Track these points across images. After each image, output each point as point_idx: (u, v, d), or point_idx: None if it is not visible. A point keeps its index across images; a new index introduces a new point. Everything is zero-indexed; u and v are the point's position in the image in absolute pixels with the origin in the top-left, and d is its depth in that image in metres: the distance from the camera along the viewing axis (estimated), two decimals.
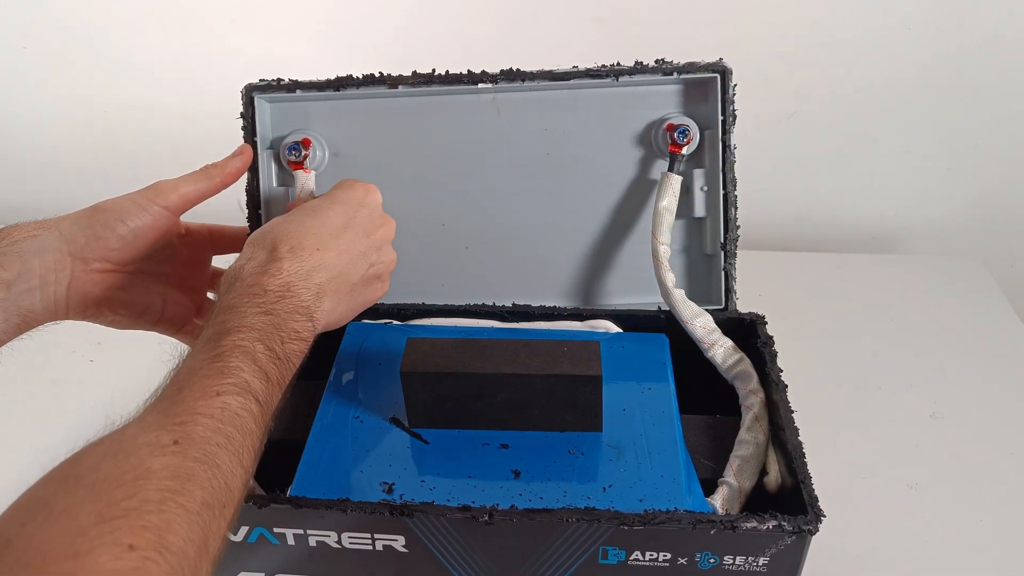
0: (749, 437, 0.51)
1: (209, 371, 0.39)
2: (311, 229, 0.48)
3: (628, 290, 0.65)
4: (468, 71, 0.60)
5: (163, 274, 0.58)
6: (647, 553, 0.44)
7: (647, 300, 0.63)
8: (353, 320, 0.57)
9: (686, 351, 0.57)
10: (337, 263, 0.48)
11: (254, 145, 0.61)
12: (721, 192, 0.60)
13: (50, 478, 0.33)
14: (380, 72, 0.60)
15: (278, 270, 0.46)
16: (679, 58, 0.60)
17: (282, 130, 0.63)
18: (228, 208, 0.66)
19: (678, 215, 0.60)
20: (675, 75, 0.59)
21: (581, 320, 0.59)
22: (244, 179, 0.62)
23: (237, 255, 0.64)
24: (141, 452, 0.34)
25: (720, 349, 0.56)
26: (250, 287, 0.44)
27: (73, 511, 0.30)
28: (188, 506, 0.33)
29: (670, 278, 0.57)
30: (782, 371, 0.53)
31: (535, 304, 0.60)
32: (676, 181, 0.60)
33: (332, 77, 0.61)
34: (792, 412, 0.49)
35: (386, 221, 0.53)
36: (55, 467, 0.33)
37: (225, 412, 0.38)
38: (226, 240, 0.64)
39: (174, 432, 0.35)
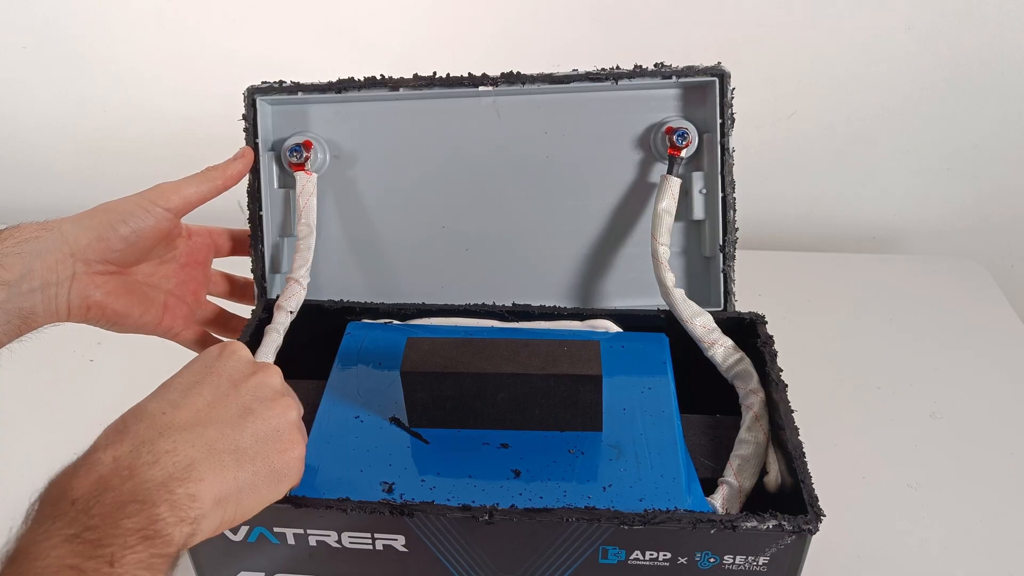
0: (749, 437, 0.51)
1: None
2: (155, 398, 0.39)
3: (627, 292, 0.65)
4: (469, 74, 0.60)
5: (164, 276, 0.59)
6: (647, 553, 0.44)
7: (646, 302, 0.63)
8: (353, 321, 0.56)
9: (686, 351, 0.57)
10: (196, 418, 0.38)
11: (256, 147, 0.61)
12: (720, 195, 0.61)
13: None
14: (381, 74, 0.60)
15: (94, 462, 0.34)
16: (680, 59, 0.60)
17: (283, 132, 0.63)
18: (229, 209, 0.67)
19: (677, 217, 0.60)
20: (674, 79, 0.59)
21: (581, 320, 0.59)
22: (245, 180, 0.62)
23: (237, 256, 0.65)
24: None
25: (720, 348, 0.56)
26: (51, 505, 0.33)
27: None
28: None
29: (670, 278, 0.58)
30: (782, 371, 0.53)
31: (535, 304, 0.60)
32: (675, 184, 0.60)
33: (333, 79, 0.61)
34: (792, 412, 0.50)
35: (260, 368, 0.43)
36: None
37: None
38: (226, 242, 0.64)
39: None
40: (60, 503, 0.33)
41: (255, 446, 0.39)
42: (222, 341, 0.45)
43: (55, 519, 0.32)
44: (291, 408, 0.42)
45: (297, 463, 0.41)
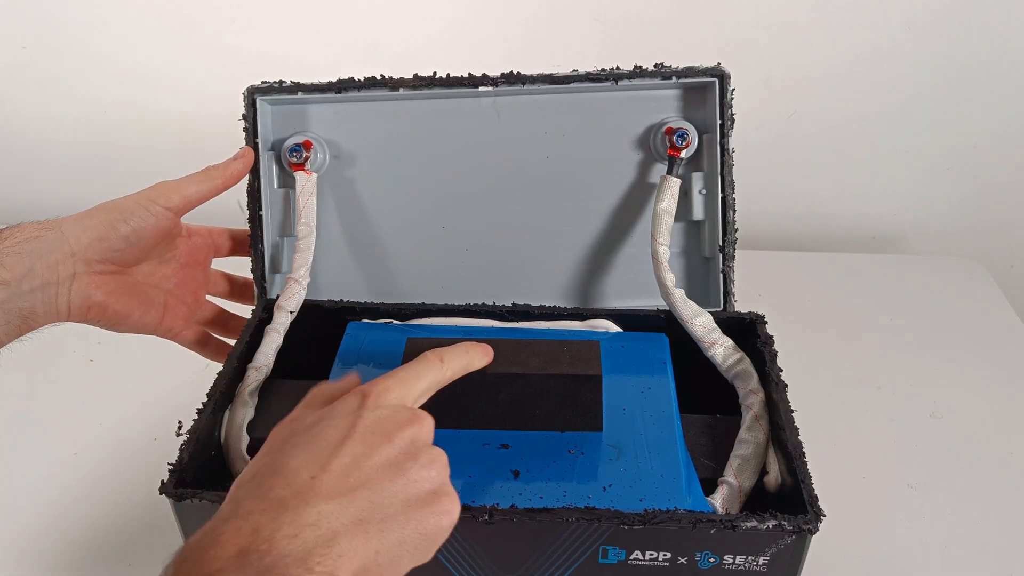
0: (749, 437, 0.51)
1: None
2: (296, 454, 0.35)
3: (627, 292, 0.65)
4: (469, 74, 0.60)
5: (164, 276, 0.59)
6: (647, 553, 0.44)
7: (646, 303, 0.63)
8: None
9: (686, 351, 0.57)
10: (344, 485, 0.34)
11: (256, 147, 0.61)
12: (719, 195, 0.61)
13: None
14: (381, 74, 0.60)
15: (235, 531, 0.32)
16: (680, 59, 0.60)
17: (283, 132, 0.63)
18: (229, 209, 0.67)
19: (677, 218, 0.60)
20: (674, 79, 0.59)
21: (581, 320, 0.59)
22: (245, 180, 0.62)
23: (237, 256, 0.65)
24: None
25: (720, 348, 0.56)
26: None
27: None
28: None
29: (670, 278, 0.58)
30: (782, 371, 0.53)
31: (535, 304, 0.60)
32: (675, 184, 0.60)
33: (333, 79, 0.61)
34: (792, 412, 0.50)
35: (410, 418, 0.38)
36: None
37: None
38: (226, 242, 0.64)
39: None
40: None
41: (405, 512, 0.35)
42: (312, 390, 0.39)
43: None
44: (446, 466, 0.38)
45: (450, 528, 0.36)
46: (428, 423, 0.39)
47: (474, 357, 0.45)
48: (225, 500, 0.34)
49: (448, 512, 0.36)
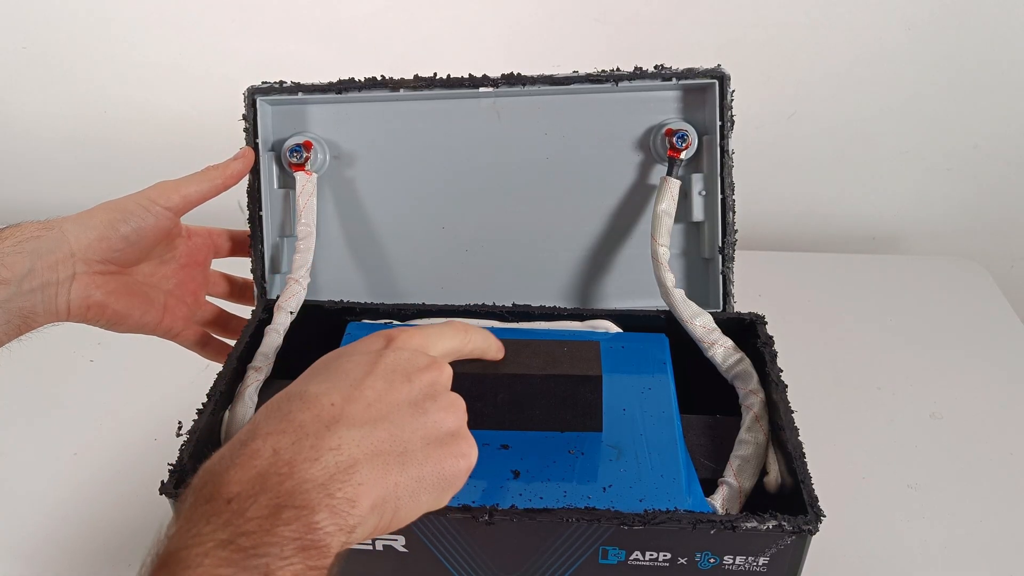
0: (749, 437, 0.51)
1: None
2: (319, 380, 0.35)
3: (627, 293, 0.65)
4: (469, 75, 0.60)
5: (164, 277, 0.59)
6: (647, 553, 0.44)
7: (646, 304, 0.63)
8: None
9: (686, 351, 0.57)
10: (367, 414, 0.34)
11: (256, 147, 0.61)
12: (719, 196, 0.61)
13: None
14: (382, 75, 0.60)
15: (253, 453, 0.31)
16: (680, 59, 0.60)
17: (284, 132, 0.63)
18: (229, 209, 0.67)
19: (676, 219, 0.60)
20: (674, 80, 0.59)
21: (581, 320, 0.59)
22: (245, 181, 0.62)
23: (237, 257, 0.65)
24: None
25: (720, 349, 0.56)
26: (205, 502, 0.30)
27: None
28: None
29: (670, 278, 0.58)
30: (782, 371, 0.53)
31: (535, 305, 0.60)
32: (675, 185, 0.60)
33: (334, 80, 0.61)
34: (792, 412, 0.50)
35: (434, 364, 0.39)
36: None
37: None
38: (226, 242, 0.64)
39: None
40: (215, 500, 0.30)
41: (424, 449, 0.35)
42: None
43: (208, 519, 0.29)
44: (464, 412, 0.38)
45: (467, 473, 0.36)
46: (448, 371, 0.39)
47: (492, 345, 0.45)
48: (244, 427, 0.34)
49: (466, 455, 0.36)
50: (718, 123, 0.60)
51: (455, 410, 0.38)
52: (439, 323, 0.42)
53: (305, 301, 0.59)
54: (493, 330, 0.58)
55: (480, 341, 0.44)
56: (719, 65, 0.59)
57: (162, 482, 0.44)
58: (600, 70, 0.59)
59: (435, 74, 0.60)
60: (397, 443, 0.34)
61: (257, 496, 0.29)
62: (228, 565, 0.28)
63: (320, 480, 0.30)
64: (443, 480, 0.35)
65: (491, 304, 0.60)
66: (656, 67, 0.59)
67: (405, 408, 0.35)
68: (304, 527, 0.29)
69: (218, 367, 0.54)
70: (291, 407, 0.33)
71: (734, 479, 0.49)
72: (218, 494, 0.30)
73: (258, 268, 0.63)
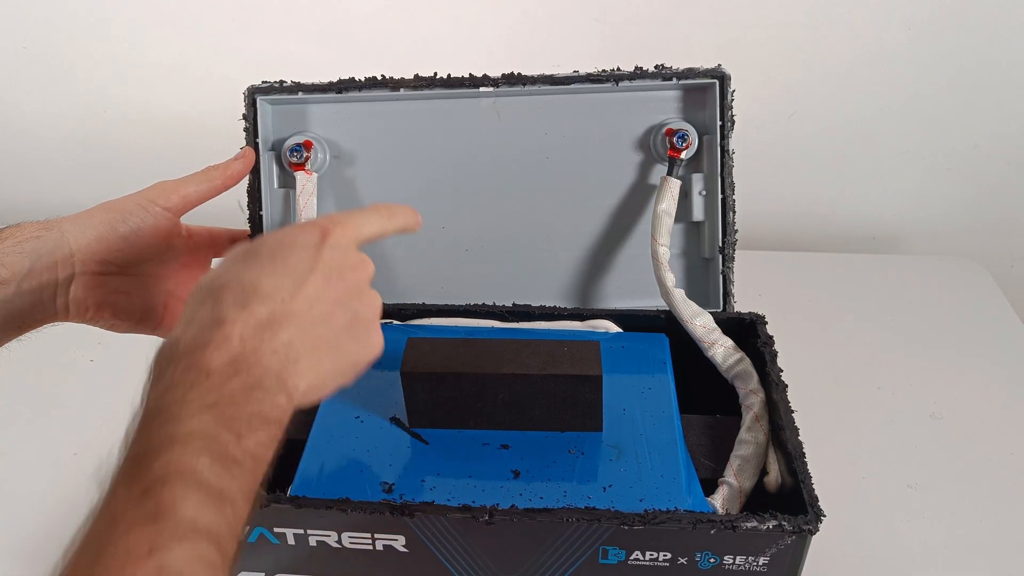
0: (749, 437, 0.51)
1: (136, 518, 0.30)
2: (267, 274, 0.39)
3: (627, 293, 0.65)
4: (469, 75, 0.60)
5: (164, 277, 0.58)
6: (647, 553, 0.44)
7: (646, 303, 0.63)
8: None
9: (686, 351, 0.57)
10: (309, 313, 0.39)
11: (256, 147, 0.61)
12: (719, 196, 0.61)
13: None
14: (382, 75, 0.60)
15: (225, 336, 0.36)
16: (680, 59, 0.60)
17: (284, 132, 0.63)
18: (228, 209, 0.67)
19: (677, 219, 0.60)
20: (675, 80, 0.59)
21: (581, 320, 0.59)
22: (246, 180, 0.62)
23: None
24: None
25: (720, 348, 0.56)
26: (186, 371, 0.34)
27: None
28: None
29: (670, 278, 0.58)
30: (782, 371, 0.53)
31: (535, 305, 0.60)
32: (675, 185, 0.60)
33: (334, 79, 0.61)
34: (792, 412, 0.50)
35: (360, 261, 0.43)
36: None
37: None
38: (226, 242, 0.64)
39: None
40: (194, 371, 0.34)
41: (348, 344, 0.40)
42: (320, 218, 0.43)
43: (192, 386, 0.34)
44: (377, 299, 0.43)
45: (372, 362, 0.42)
46: (370, 268, 0.43)
47: (411, 219, 0.49)
48: (196, 299, 0.38)
49: (375, 346, 0.42)
50: (718, 123, 0.60)
51: (374, 307, 0.43)
52: (364, 211, 0.46)
53: None
54: (493, 330, 0.58)
55: (401, 220, 0.48)
56: (719, 65, 0.59)
57: None
58: (600, 70, 0.59)
59: (435, 74, 0.60)
60: (330, 338, 0.39)
61: (232, 377, 0.35)
62: (211, 425, 0.33)
63: (276, 371, 0.36)
64: (355, 367, 0.41)
65: (491, 304, 0.60)
66: (656, 67, 0.59)
67: (337, 306, 0.40)
68: (268, 406, 0.35)
69: None
70: (248, 299, 0.37)
71: (734, 479, 0.49)
72: (197, 367, 0.34)
73: None
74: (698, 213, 0.62)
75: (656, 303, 0.60)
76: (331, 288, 0.40)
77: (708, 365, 0.56)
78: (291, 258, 0.40)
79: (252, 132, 0.61)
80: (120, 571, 0.28)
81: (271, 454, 0.35)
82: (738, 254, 0.61)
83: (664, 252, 0.58)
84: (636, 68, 0.59)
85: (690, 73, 0.59)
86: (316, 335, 0.39)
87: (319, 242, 0.41)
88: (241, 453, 0.33)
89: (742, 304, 0.61)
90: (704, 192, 0.62)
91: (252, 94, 0.61)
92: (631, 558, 0.44)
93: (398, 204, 0.48)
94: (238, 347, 0.35)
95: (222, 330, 0.36)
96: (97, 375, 0.81)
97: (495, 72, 0.60)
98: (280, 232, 0.42)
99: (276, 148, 0.63)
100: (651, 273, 0.59)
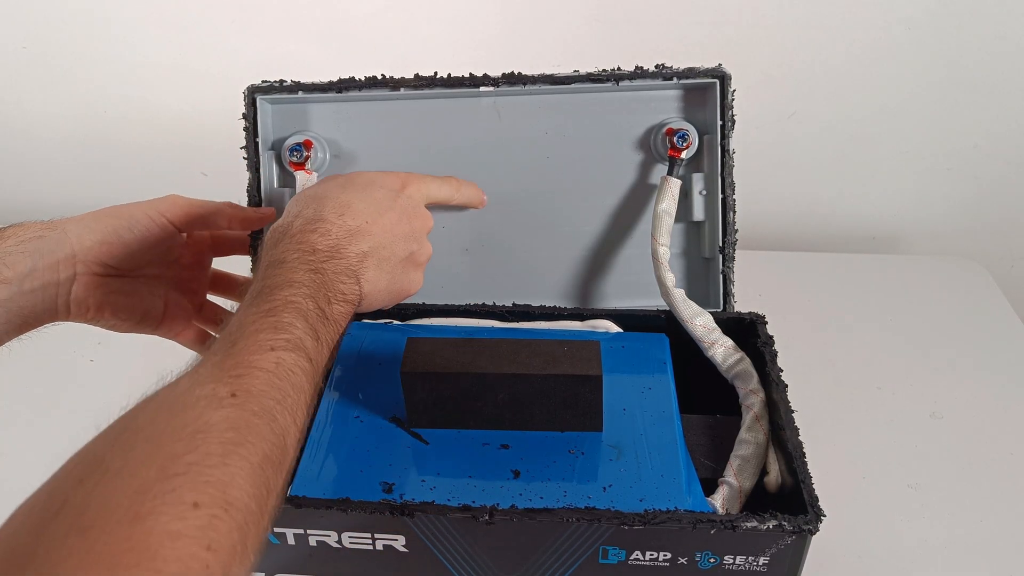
0: (749, 437, 0.51)
1: (261, 325, 0.39)
2: (359, 199, 0.49)
3: (627, 293, 0.65)
4: (470, 74, 0.60)
5: (164, 277, 0.59)
6: (647, 553, 0.44)
7: (646, 303, 0.63)
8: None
9: (686, 351, 0.57)
10: (383, 237, 0.48)
11: (255, 146, 0.61)
12: (720, 196, 0.61)
13: (105, 434, 0.31)
14: (382, 74, 0.60)
15: (327, 230, 0.46)
16: (680, 58, 0.60)
17: (284, 131, 0.63)
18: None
19: (677, 219, 0.60)
20: (675, 80, 0.59)
21: (581, 320, 0.59)
22: (245, 180, 0.62)
23: (237, 256, 0.65)
24: (199, 405, 0.33)
25: (720, 348, 0.56)
26: (299, 244, 0.44)
27: (132, 468, 0.29)
28: (251, 460, 0.32)
29: (670, 278, 0.58)
30: (782, 371, 0.53)
31: (535, 304, 0.60)
32: (675, 185, 0.60)
33: (334, 79, 0.61)
34: (792, 412, 0.50)
35: (426, 215, 0.54)
36: (110, 424, 0.32)
37: (280, 368, 0.37)
38: (227, 243, 0.64)
39: (231, 384, 0.34)
40: (305, 246, 0.45)
41: (403, 271, 0.51)
42: None
43: (302, 255, 0.44)
44: (429, 248, 0.54)
45: (414, 291, 0.53)
46: (431, 222, 0.54)
47: (474, 196, 0.61)
48: (301, 201, 0.49)
49: (418, 282, 0.53)
50: (719, 123, 0.60)
51: (427, 253, 0.53)
52: (438, 178, 0.57)
53: None
54: (493, 330, 0.58)
55: (467, 194, 0.60)
56: (720, 65, 0.59)
57: None
58: (601, 69, 0.59)
59: (436, 73, 0.60)
60: (392, 260, 0.49)
61: (331, 259, 0.45)
62: (316, 284, 0.43)
63: (355, 267, 0.46)
64: (402, 291, 0.51)
65: (491, 304, 0.60)
66: (657, 66, 0.59)
67: (402, 239, 0.50)
68: (349, 289, 0.45)
69: None
70: (343, 211, 0.48)
71: (734, 479, 0.49)
72: (307, 244, 0.45)
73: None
74: (698, 213, 0.62)
75: (656, 303, 0.60)
76: (400, 226, 0.50)
77: (708, 365, 0.56)
78: (377, 193, 0.50)
79: (252, 132, 0.61)
80: (250, 355, 0.37)
81: (346, 326, 0.45)
82: (738, 254, 0.61)
83: (664, 252, 0.58)
84: (637, 68, 0.59)
85: (691, 73, 0.59)
86: (382, 256, 0.48)
87: (399, 189, 0.53)
88: (331, 313, 0.43)
89: (742, 304, 0.61)
90: (704, 192, 0.62)
91: (252, 93, 0.61)
92: (631, 558, 0.44)
93: (468, 181, 0.60)
94: (334, 240, 0.45)
95: (324, 225, 0.46)
96: (97, 375, 0.81)
97: (495, 72, 0.60)
98: (371, 173, 0.53)
99: (276, 147, 0.63)
100: (651, 273, 0.59)
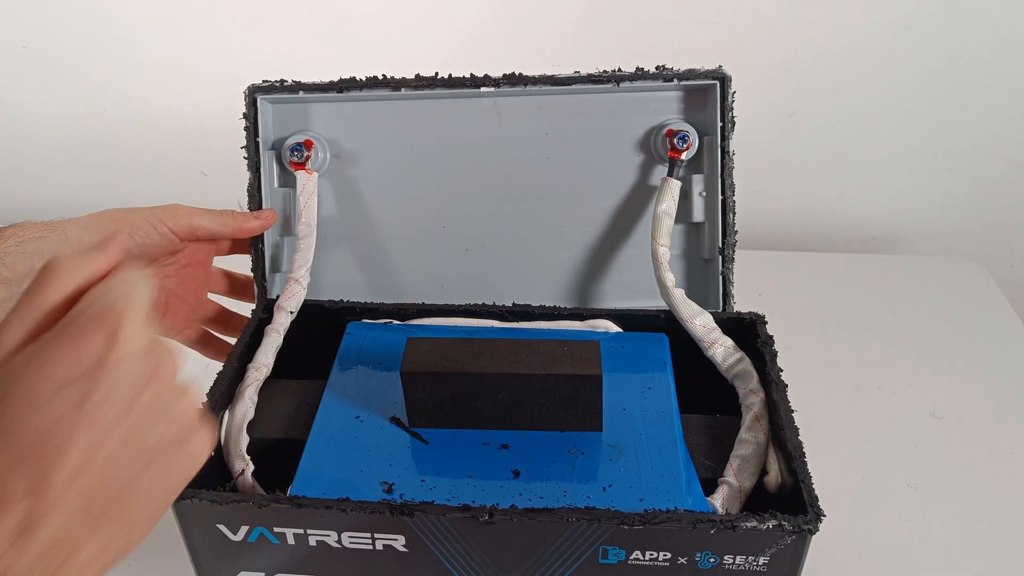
0: (749, 437, 0.51)
1: None
2: (6, 467, 0.28)
3: (627, 293, 0.65)
4: (471, 74, 0.60)
5: (164, 276, 0.59)
6: (647, 553, 0.44)
7: (646, 304, 0.63)
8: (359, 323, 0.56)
9: (686, 351, 0.57)
10: (79, 489, 0.29)
11: (256, 145, 0.61)
12: (719, 197, 0.61)
13: None
14: (383, 74, 0.60)
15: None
16: (680, 59, 0.60)
17: (284, 131, 0.63)
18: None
19: (677, 220, 0.60)
20: (675, 81, 0.59)
21: (581, 320, 0.59)
22: (246, 180, 0.62)
23: (237, 256, 0.65)
24: None
25: (720, 348, 0.56)
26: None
27: None
28: None
29: (670, 278, 0.58)
30: (782, 371, 0.53)
31: (535, 304, 0.60)
32: (675, 186, 0.60)
33: (335, 79, 0.61)
34: (792, 412, 0.50)
35: (160, 360, 0.32)
36: None
37: None
38: (226, 241, 0.64)
39: None
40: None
41: (152, 488, 0.31)
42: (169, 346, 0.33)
43: None
44: (193, 400, 0.33)
45: (199, 467, 0.33)
46: (174, 357, 0.32)
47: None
48: None
49: (196, 456, 0.32)
50: (719, 124, 0.60)
51: (185, 412, 0.32)
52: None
53: (305, 301, 0.59)
54: (493, 330, 0.58)
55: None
56: (720, 66, 0.59)
57: None
58: (601, 70, 0.59)
59: (436, 73, 0.60)
60: (120, 502, 0.30)
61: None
62: None
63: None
64: (169, 497, 0.33)
65: (491, 304, 0.60)
66: (657, 68, 0.59)
67: (125, 452, 0.29)
68: None
69: (218, 366, 0.54)
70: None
71: (734, 479, 0.49)
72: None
73: (258, 267, 0.63)
74: (698, 214, 0.62)
75: (656, 303, 0.60)
76: (120, 425, 0.30)
77: (708, 365, 0.56)
78: (39, 428, 0.29)
79: (252, 131, 0.61)
80: None
81: None
82: (738, 254, 0.61)
83: (664, 252, 0.58)
84: (637, 69, 0.59)
85: (691, 74, 0.59)
86: (97, 511, 0.29)
87: (99, 353, 0.30)
88: None
89: (742, 304, 0.61)
90: (704, 193, 0.62)
91: (252, 93, 0.61)
92: (631, 558, 0.44)
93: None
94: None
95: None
96: None
97: (496, 72, 0.60)
98: (49, 337, 0.30)
99: (276, 147, 0.63)
100: (651, 273, 0.59)
